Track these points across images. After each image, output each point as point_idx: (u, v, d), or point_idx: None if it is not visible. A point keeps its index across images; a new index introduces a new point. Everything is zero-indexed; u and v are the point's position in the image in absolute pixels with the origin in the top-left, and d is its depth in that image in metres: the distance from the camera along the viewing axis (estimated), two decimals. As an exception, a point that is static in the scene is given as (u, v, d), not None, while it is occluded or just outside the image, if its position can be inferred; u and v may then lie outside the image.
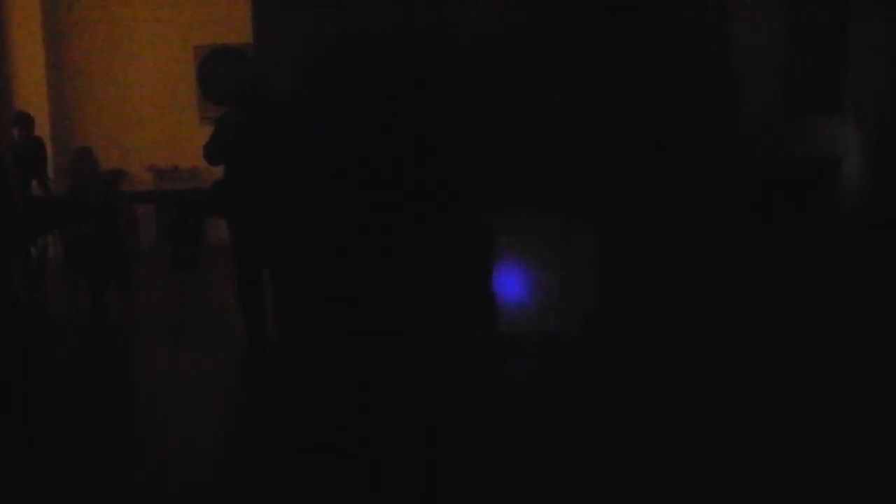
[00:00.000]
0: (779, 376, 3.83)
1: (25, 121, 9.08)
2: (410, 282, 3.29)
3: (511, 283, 6.31)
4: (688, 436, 4.44)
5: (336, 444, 3.38)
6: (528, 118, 6.17)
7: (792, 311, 3.83)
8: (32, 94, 10.44)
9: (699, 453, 4.25)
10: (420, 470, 3.48)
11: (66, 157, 8.85)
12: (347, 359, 3.39)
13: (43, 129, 9.79)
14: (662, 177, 6.05)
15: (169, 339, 6.96)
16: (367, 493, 3.54)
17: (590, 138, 6.05)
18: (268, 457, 4.60)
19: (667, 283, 6.15)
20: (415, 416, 3.46)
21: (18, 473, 4.47)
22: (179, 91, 11.08)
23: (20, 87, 10.45)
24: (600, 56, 5.80)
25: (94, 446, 4.85)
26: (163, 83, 11.11)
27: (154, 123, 11.03)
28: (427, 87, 3.45)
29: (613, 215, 5.86)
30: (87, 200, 6.88)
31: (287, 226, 5.38)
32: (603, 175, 5.94)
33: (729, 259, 4.89)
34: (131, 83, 11.09)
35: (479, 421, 4.65)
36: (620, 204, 5.83)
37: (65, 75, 10.99)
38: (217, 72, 5.92)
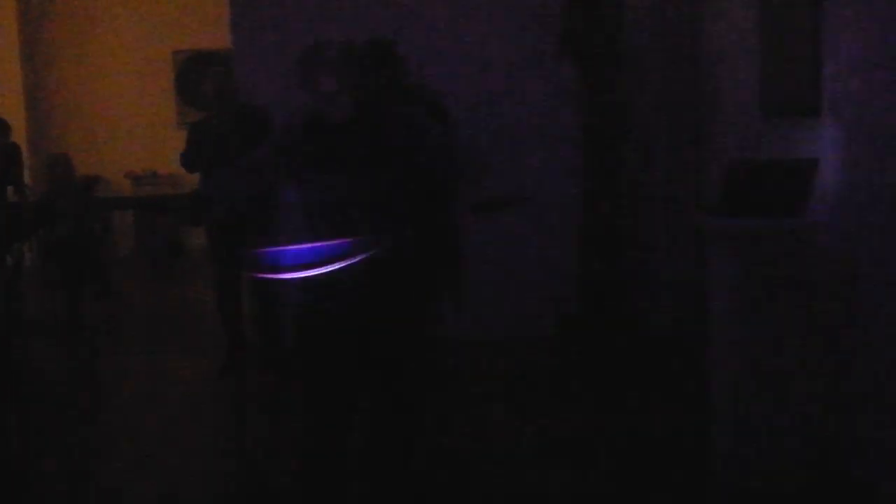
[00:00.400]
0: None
1: (1, 126, 9.01)
2: (386, 285, 3.26)
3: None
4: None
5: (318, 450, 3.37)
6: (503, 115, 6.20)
7: (764, 313, 3.84)
8: (9, 100, 10.37)
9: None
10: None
11: (43, 162, 8.81)
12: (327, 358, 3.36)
13: (19, 134, 9.73)
14: (639, 178, 6.10)
15: (147, 345, 6.93)
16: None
17: (566, 139, 6.08)
18: (248, 462, 4.59)
19: (642, 284, 6.19)
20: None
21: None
22: (158, 96, 11.04)
23: (-3, 94, 10.39)
24: (576, 54, 5.83)
25: (71, 451, 4.83)
26: (141, 88, 11.07)
27: (132, 129, 10.98)
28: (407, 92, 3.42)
29: (590, 213, 5.89)
30: (64, 206, 6.84)
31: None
32: (579, 174, 5.97)
33: (705, 259, 4.91)
34: (109, 88, 11.04)
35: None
36: (596, 203, 5.86)
37: (41, 81, 10.92)
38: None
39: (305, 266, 2.94)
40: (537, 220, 6.25)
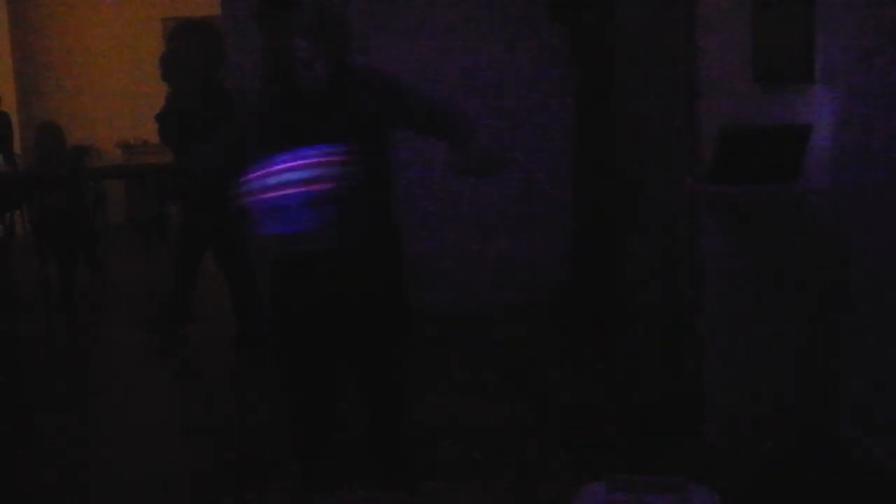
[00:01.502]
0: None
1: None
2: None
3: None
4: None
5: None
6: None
7: (758, 282, 3.85)
8: (-1, 70, 10.31)
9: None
10: None
11: (33, 132, 8.75)
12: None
13: (9, 104, 9.67)
14: (629, 146, 6.07)
15: (138, 316, 6.92)
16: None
17: (556, 105, 6.07)
18: (238, 432, 4.60)
19: (633, 254, 6.19)
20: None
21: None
22: (147, 64, 10.94)
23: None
24: (565, 20, 5.80)
25: (63, 424, 4.83)
26: (130, 57, 10.98)
27: (122, 98, 10.90)
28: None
29: (579, 178, 5.87)
30: (55, 176, 6.80)
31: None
32: (569, 140, 5.95)
33: (697, 228, 4.91)
34: (98, 57, 10.96)
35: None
36: (586, 169, 5.84)
37: (31, 50, 10.84)
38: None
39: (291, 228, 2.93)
40: (529, 188, 6.25)
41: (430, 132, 3.33)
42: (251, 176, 2.94)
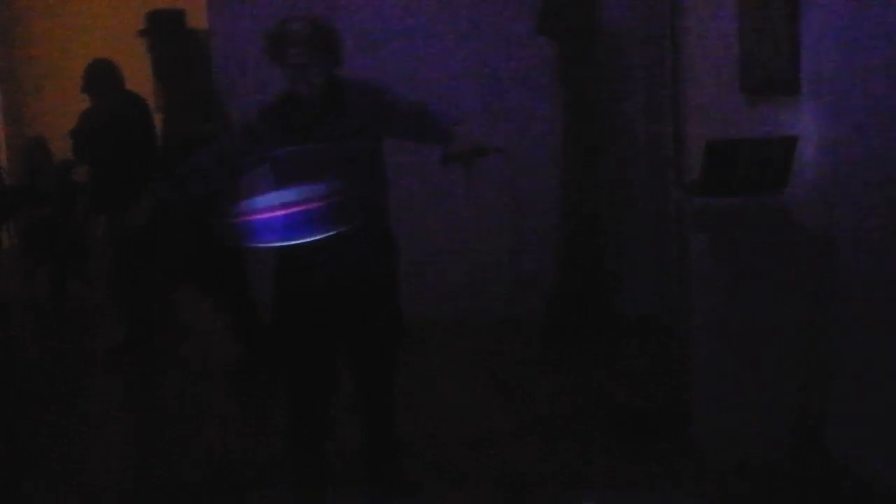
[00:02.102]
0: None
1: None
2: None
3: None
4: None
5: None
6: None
7: (745, 290, 3.88)
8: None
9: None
10: None
11: (20, 147, 8.74)
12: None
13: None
14: (617, 158, 6.12)
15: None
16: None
17: (544, 116, 6.10)
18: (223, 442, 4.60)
19: (623, 263, 6.22)
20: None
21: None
22: (133, 79, 10.94)
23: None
24: (554, 32, 5.83)
25: (54, 433, 4.82)
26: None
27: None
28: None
29: (570, 197, 5.90)
30: (43, 190, 6.80)
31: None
32: (559, 151, 5.98)
33: (684, 239, 4.94)
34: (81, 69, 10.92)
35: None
36: (577, 186, 5.87)
37: (16, 65, 10.82)
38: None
39: (281, 234, 3.01)
40: (519, 197, 6.28)
41: (419, 138, 3.43)
42: (246, 198, 3.06)
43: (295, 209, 2.95)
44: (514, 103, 6.21)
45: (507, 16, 6.18)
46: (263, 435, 4.51)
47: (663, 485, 3.78)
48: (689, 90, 5.52)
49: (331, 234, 3.01)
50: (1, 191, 8.26)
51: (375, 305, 3.50)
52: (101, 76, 5.62)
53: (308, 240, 2.99)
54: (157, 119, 5.94)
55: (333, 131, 3.31)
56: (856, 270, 3.72)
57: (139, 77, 10.82)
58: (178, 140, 5.41)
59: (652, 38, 5.97)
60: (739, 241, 3.89)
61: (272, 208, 2.99)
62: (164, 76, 5.66)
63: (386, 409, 3.65)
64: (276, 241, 3.03)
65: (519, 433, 4.43)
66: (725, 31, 4.75)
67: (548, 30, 5.82)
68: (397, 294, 3.59)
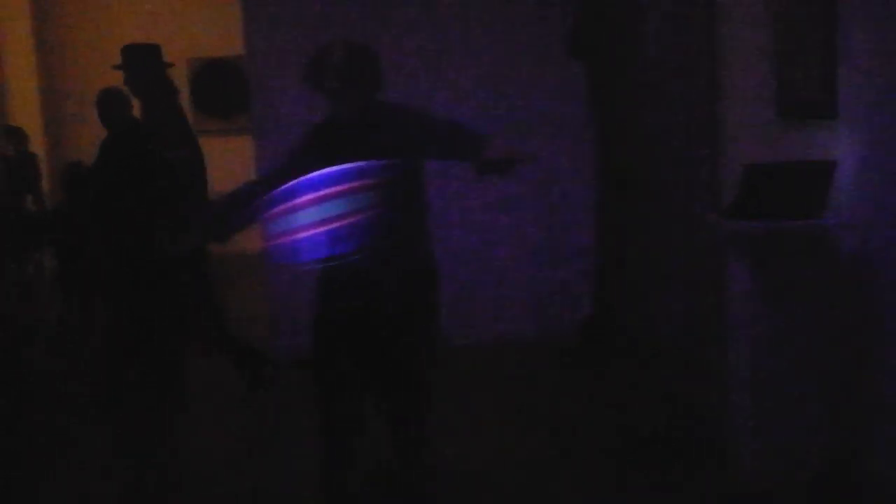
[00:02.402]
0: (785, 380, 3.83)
1: (18, 136, 9.09)
2: None
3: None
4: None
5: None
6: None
7: (782, 317, 3.83)
8: (26, 110, 10.42)
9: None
10: None
11: (60, 171, 8.84)
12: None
13: (37, 144, 9.79)
14: (652, 181, 6.07)
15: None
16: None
17: (581, 141, 6.08)
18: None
19: (658, 291, 6.16)
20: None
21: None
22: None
23: (13, 102, 10.44)
24: (587, 54, 5.82)
25: (82, 451, 4.85)
26: (156, 96, 11.08)
27: (148, 136, 10.99)
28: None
29: (604, 220, 5.87)
30: (81, 215, 6.86)
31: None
32: (594, 179, 5.95)
33: (719, 265, 4.89)
34: (125, 96, 11.05)
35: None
36: (611, 209, 5.84)
37: (58, 89, 10.98)
38: None
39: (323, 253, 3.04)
40: (550, 218, 6.25)
41: (458, 155, 3.44)
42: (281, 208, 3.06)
43: (336, 224, 2.97)
44: (546, 126, 6.19)
45: (539, 38, 6.18)
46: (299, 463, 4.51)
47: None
48: (724, 114, 5.47)
49: (371, 249, 3.02)
50: (41, 215, 8.38)
51: (410, 332, 3.49)
52: (113, 104, 5.61)
53: (349, 254, 3.01)
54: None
55: (372, 156, 3.29)
56: (892, 293, 3.65)
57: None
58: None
59: (686, 60, 5.93)
60: (775, 267, 3.84)
61: (312, 225, 3.00)
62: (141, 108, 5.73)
63: (418, 436, 3.63)
64: (319, 259, 3.06)
65: (548, 460, 4.39)
66: (761, 54, 4.70)
67: (579, 52, 5.81)
68: (435, 322, 3.57)
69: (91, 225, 5.71)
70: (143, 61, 5.79)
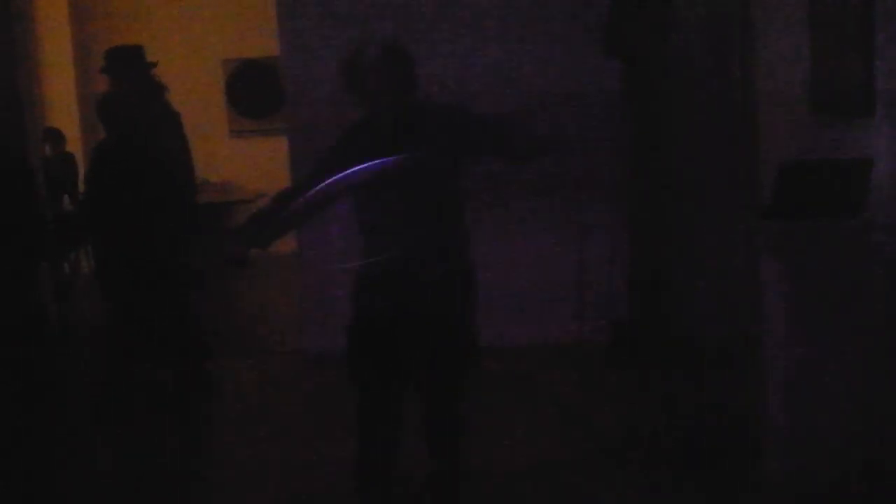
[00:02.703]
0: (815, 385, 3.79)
1: (56, 137, 9.18)
2: None
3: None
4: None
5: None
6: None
7: (819, 318, 3.78)
8: (63, 111, 10.53)
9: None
10: None
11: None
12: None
13: (74, 145, 9.88)
14: (687, 180, 6.02)
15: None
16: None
17: (611, 140, 6.04)
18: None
19: (693, 292, 6.11)
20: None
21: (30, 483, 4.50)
22: (209, 105, 11.14)
23: (52, 104, 10.55)
24: (621, 51, 5.77)
25: (114, 454, 4.89)
26: (192, 97, 11.15)
27: (182, 137, 11.07)
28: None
29: (639, 220, 5.83)
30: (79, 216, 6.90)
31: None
32: (625, 177, 5.91)
33: (753, 263, 4.84)
34: (160, 96, 11.14)
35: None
36: (646, 209, 5.80)
37: (95, 92, 11.08)
38: None
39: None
40: (584, 222, 6.21)
41: (493, 153, 3.43)
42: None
43: (372, 223, 3.00)
44: (579, 124, 6.15)
45: (572, 35, 6.14)
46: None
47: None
48: (760, 111, 5.42)
49: (409, 249, 3.03)
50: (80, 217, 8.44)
51: (447, 333, 3.45)
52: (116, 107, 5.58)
53: (388, 254, 3.02)
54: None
55: (410, 156, 3.27)
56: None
57: (216, 105, 11.09)
58: None
59: (721, 58, 5.88)
60: (812, 267, 3.79)
61: (348, 226, 3.03)
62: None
63: (452, 438, 3.61)
64: (356, 260, 3.08)
65: (581, 462, 4.37)
66: (797, 50, 4.65)
67: (615, 50, 5.76)
68: (473, 323, 3.55)
69: (88, 226, 5.72)
70: (126, 62, 5.82)
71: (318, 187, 3.25)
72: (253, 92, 11.06)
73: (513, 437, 4.72)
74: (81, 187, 9.83)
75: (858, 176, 3.80)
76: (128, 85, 5.74)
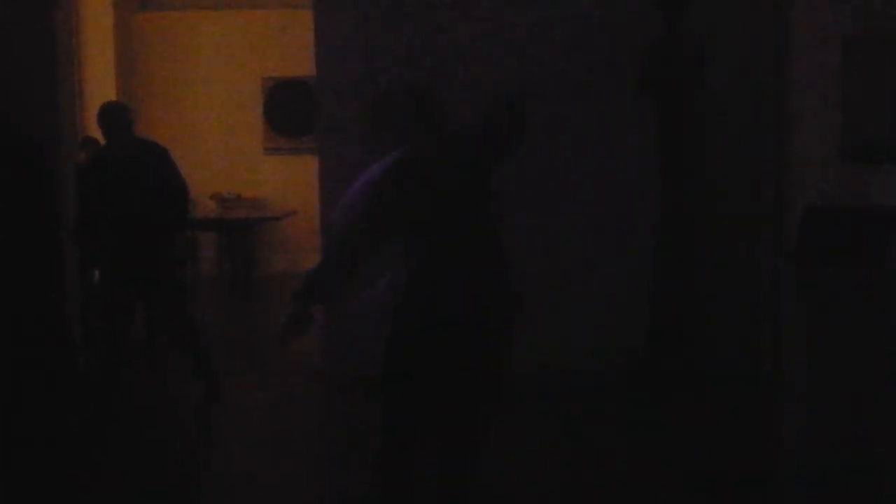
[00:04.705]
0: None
1: (93, 146, 9.29)
2: None
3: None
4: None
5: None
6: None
7: (846, 363, 3.76)
8: (103, 122, 10.66)
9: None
10: None
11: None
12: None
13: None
14: (716, 222, 6.00)
15: (226, 364, 7.01)
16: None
17: (643, 183, 6.03)
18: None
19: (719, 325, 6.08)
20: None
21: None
22: (246, 122, 11.27)
23: (91, 114, 10.71)
24: (654, 89, 5.78)
25: (138, 462, 4.92)
26: (230, 113, 11.30)
27: (219, 152, 11.20)
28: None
29: (664, 257, 5.81)
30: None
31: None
32: (656, 216, 5.90)
33: (782, 308, 4.82)
34: (200, 112, 11.30)
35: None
36: (672, 246, 5.78)
37: (137, 103, 11.24)
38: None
39: None
40: (613, 251, 6.20)
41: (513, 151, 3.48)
42: None
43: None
44: (609, 162, 6.15)
45: (610, 73, 6.14)
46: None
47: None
48: (790, 156, 5.42)
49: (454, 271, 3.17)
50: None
51: (479, 356, 3.44)
52: (114, 117, 5.64)
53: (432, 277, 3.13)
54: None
55: (449, 186, 3.34)
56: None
57: (254, 122, 11.22)
58: None
59: (755, 102, 5.87)
60: (837, 311, 3.78)
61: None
62: None
63: (469, 467, 3.57)
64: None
65: (601, 491, 4.35)
66: (829, 97, 4.66)
67: (647, 86, 5.77)
68: (509, 348, 3.53)
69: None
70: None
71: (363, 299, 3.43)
72: (288, 111, 11.18)
73: (527, 464, 4.70)
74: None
75: (884, 222, 3.79)
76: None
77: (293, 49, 10.72)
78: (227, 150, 11.24)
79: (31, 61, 6.18)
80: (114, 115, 5.60)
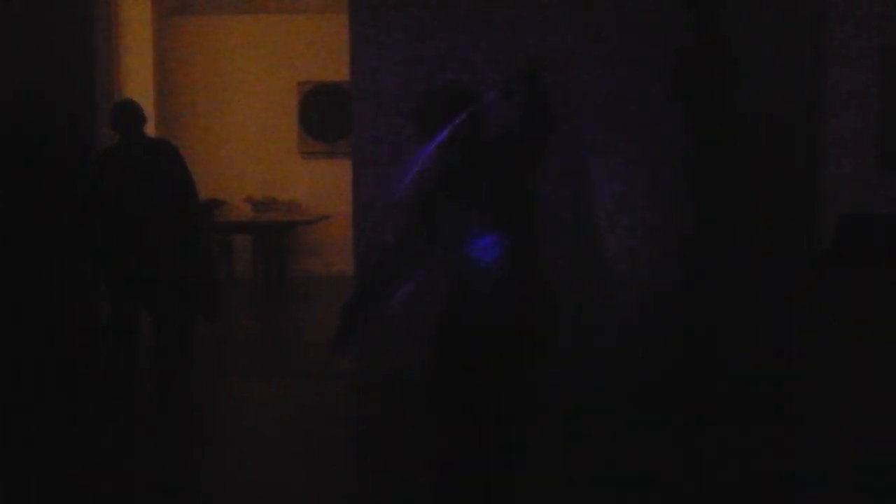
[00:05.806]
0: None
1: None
2: None
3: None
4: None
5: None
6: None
7: (881, 371, 3.73)
8: (142, 124, 10.77)
9: None
10: None
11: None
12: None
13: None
14: (743, 225, 5.96)
15: (259, 368, 7.04)
16: None
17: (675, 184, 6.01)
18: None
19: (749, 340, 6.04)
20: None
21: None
22: (281, 126, 11.34)
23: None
24: (688, 97, 5.75)
25: (170, 468, 4.95)
26: (265, 117, 11.38)
27: (254, 156, 11.28)
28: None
29: (693, 266, 5.79)
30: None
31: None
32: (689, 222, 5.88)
33: (814, 316, 4.78)
34: (236, 116, 11.37)
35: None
36: (703, 254, 5.75)
37: (173, 107, 11.35)
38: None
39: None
40: (643, 261, 6.18)
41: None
42: None
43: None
44: (642, 174, 6.13)
45: (644, 79, 6.13)
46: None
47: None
48: (825, 163, 5.38)
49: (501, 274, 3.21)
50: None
51: (521, 367, 3.43)
52: (129, 114, 5.50)
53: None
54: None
55: (491, 185, 3.37)
56: None
57: (288, 126, 11.28)
58: None
59: (788, 108, 5.84)
60: (871, 319, 3.75)
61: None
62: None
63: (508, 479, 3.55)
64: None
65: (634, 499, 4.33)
66: (865, 103, 4.62)
67: (681, 94, 5.74)
68: (546, 360, 3.52)
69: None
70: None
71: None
72: (323, 115, 11.23)
73: (549, 479, 4.68)
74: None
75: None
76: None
77: (328, 53, 10.79)
78: (262, 154, 11.32)
79: (69, 65, 6.26)
80: (123, 113, 5.50)
